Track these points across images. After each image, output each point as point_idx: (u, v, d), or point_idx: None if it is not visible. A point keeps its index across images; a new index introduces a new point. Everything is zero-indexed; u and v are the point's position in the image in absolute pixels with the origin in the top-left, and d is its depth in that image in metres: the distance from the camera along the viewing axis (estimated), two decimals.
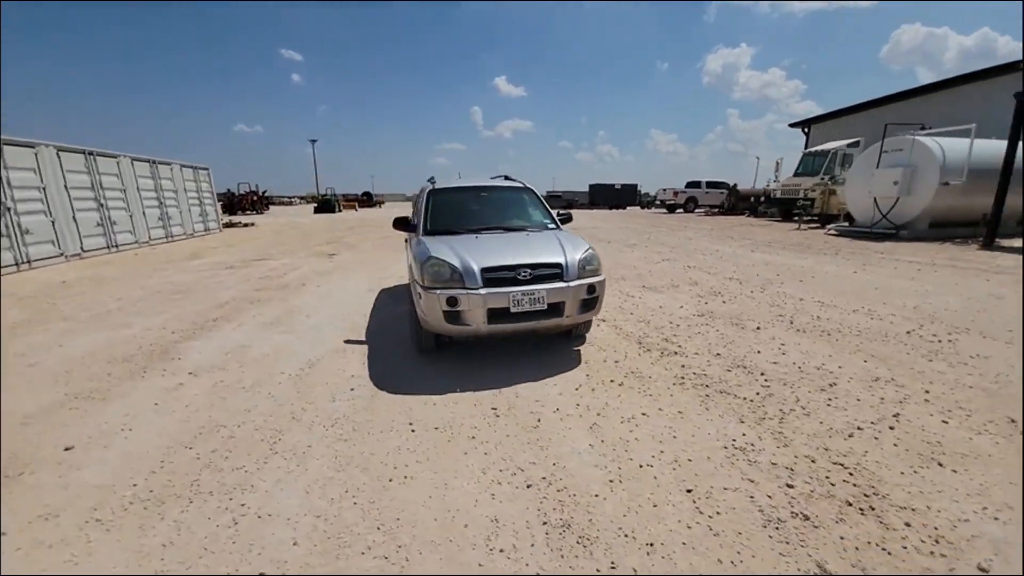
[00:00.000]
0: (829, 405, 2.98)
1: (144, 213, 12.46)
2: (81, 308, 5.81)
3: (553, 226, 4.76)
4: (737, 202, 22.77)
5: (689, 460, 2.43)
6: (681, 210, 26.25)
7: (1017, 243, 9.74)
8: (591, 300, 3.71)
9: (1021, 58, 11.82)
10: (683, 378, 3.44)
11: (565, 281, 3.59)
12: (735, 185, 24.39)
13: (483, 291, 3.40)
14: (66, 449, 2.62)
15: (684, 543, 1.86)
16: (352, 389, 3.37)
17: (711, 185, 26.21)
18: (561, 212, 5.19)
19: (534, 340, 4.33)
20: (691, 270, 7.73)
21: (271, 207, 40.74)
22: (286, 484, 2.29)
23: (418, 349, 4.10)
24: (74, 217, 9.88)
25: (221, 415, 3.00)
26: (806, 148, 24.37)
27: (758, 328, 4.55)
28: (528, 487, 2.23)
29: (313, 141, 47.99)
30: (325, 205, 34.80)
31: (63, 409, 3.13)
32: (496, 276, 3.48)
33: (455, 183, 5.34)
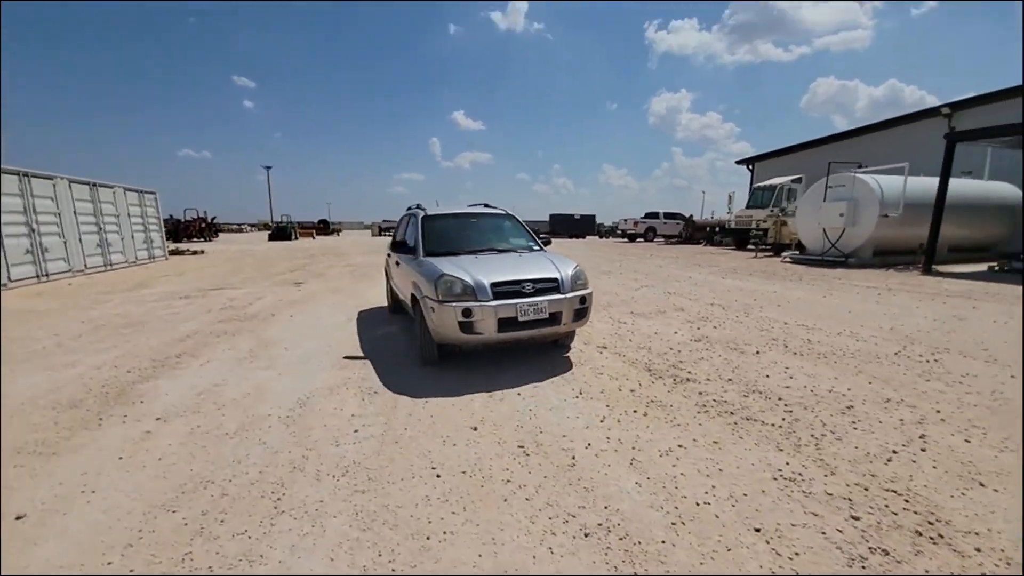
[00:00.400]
0: (855, 428, 2.97)
1: (80, 239, 11.31)
2: (11, 345, 5.03)
3: (538, 248, 5.26)
4: (694, 232, 23.98)
5: (744, 495, 2.29)
6: (641, 239, 27.28)
7: (951, 268, 10.73)
8: (583, 310, 4.25)
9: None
10: (705, 406, 3.36)
11: (562, 293, 4.11)
12: (691, 216, 25.77)
13: (494, 303, 3.83)
14: (17, 518, 2.13)
15: None
16: (356, 431, 3.02)
17: (668, 216, 27.53)
18: (541, 236, 5.62)
19: (537, 367, 4.14)
20: (672, 296, 7.87)
21: (220, 234, 38.58)
22: (303, 550, 1.94)
23: (422, 361, 4.36)
24: (0, 243, 8.78)
25: (206, 468, 2.58)
26: (751, 184, 26.35)
27: (757, 352, 4.60)
28: (586, 536, 2.01)
29: (268, 168, 46.50)
30: (281, 232, 33.41)
31: (6, 468, 2.58)
32: (504, 290, 3.93)
33: (443, 210, 5.67)
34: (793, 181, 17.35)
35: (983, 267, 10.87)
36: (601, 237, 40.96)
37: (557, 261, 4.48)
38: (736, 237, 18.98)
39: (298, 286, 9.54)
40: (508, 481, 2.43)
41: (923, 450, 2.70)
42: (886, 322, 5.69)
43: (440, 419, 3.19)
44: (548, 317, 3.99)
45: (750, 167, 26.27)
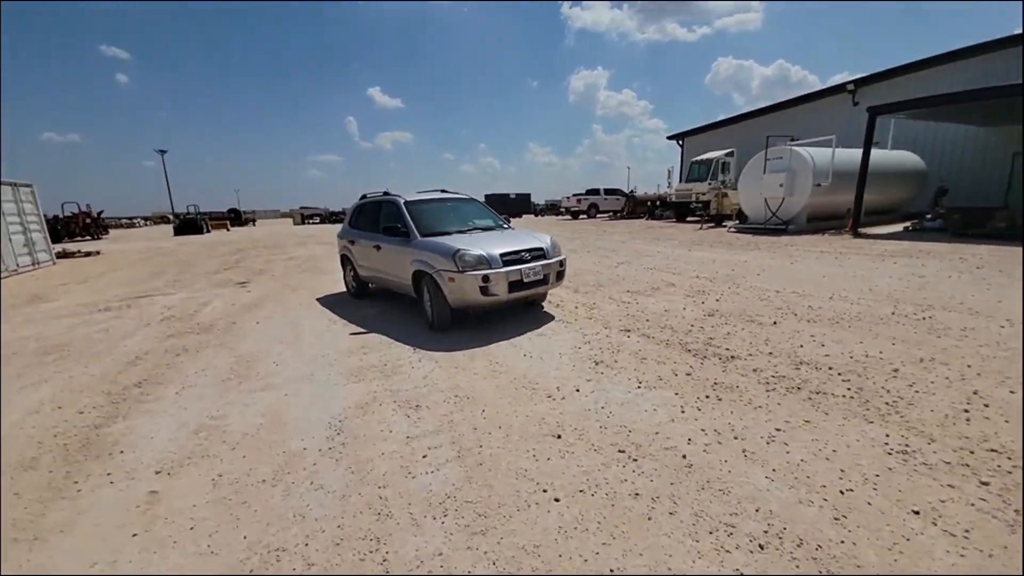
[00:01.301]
0: (916, 392, 3.08)
1: None
2: None
3: (508, 226, 6.21)
4: (635, 207, 24.83)
5: (876, 475, 2.24)
6: (584, 216, 27.79)
7: (873, 230, 12.01)
8: (562, 272, 5.36)
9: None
10: (768, 383, 3.33)
11: (548, 259, 5.14)
12: (632, 191, 26.65)
13: (505, 269, 4.72)
14: None
15: None
16: (424, 456, 2.59)
17: (608, 192, 28.23)
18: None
19: (568, 360, 3.91)
20: (654, 272, 7.97)
21: (109, 231, 33.30)
22: None
23: (436, 327, 5.00)
24: None
25: (264, 533, 2.04)
26: (682, 158, 27.76)
27: (775, 323, 4.71)
28: (763, 548, 1.83)
29: (162, 152, 40.78)
30: (189, 225, 29.59)
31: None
32: (509, 258, 4.84)
33: (421, 197, 6.19)
34: (727, 155, 18.43)
35: (899, 227, 12.32)
36: (536, 216, 41.21)
37: (535, 234, 5.54)
38: (677, 210, 19.89)
39: (244, 287, 8.41)
40: (636, 495, 2.18)
41: (986, 406, 2.85)
42: (860, 284, 6.15)
43: (510, 427, 2.85)
44: (542, 278, 5.01)
45: (680, 142, 27.53)
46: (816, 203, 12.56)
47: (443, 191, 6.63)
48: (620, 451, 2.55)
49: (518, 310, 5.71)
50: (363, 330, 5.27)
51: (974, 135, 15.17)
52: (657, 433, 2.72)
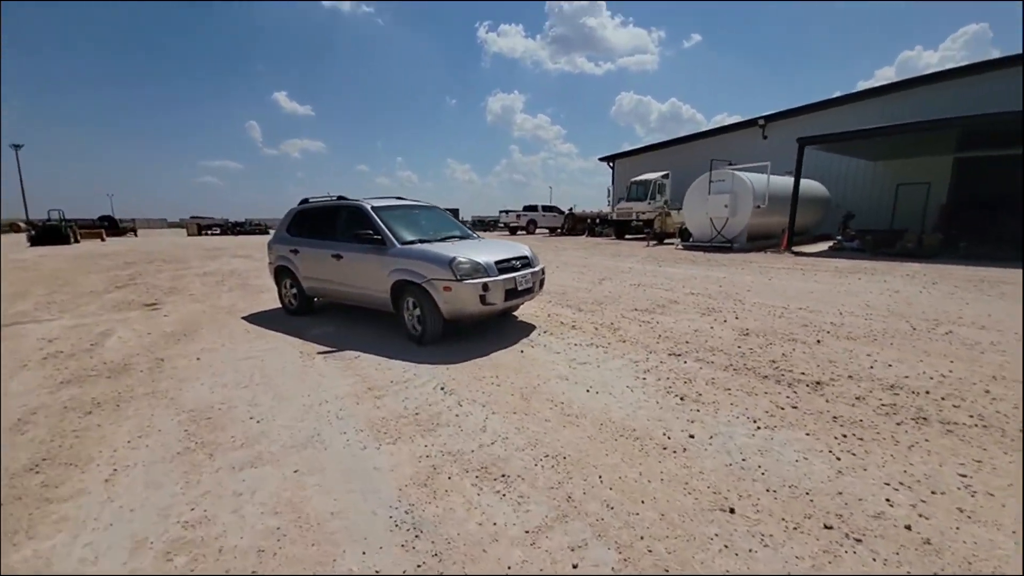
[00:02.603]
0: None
1: None
2: None
3: (475, 236, 5.94)
4: (575, 224, 25.26)
5: None
6: (523, 231, 27.66)
7: (800, 249, 13.12)
8: (543, 280, 5.28)
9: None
10: (886, 413, 2.97)
11: (534, 267, 5.10)
12: (571, 209, 27.12)
13: (502, 277, 4.56)
14: None
15: None
16: (576, 567, 1.76)
17: (546, 209, 28.48)
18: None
19: (661, 400, 3.29)
20: (643, 288, 7.69)
21: None
22: None
23: (426, 341, 4.55)
24: None
25: None
26: (612, 179, 29.01)
27: (818, 341, 4.51)
28: None
29: (16, 147, 33.56)
30: (52, 234, 24.28)
31: None
32: (504, 266, 4.71)
33: (387, 203, 5.58)
34: (663, 176, 19.42)
35: (823, 247, 13.62)
36: None
37: (514, 244, 5.40)
38: (617, 228, 20.47)
39: (155, 309, 6.62)
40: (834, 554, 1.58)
41: None
42: (853, 299, 6.34)
43: (654, 501, 2.12)
44: (531, 286, 4.89)
45: (611, 164, 28.79)
46: (756, 223, 13.48)
47: (399, 198, 6.01)
48: (826, 527, 1.94)
49: (499, 322, 5.10)
50: (349, 354, 4.19)
51: (864, 167, 17.58)
52: (841, 493, 2.17)
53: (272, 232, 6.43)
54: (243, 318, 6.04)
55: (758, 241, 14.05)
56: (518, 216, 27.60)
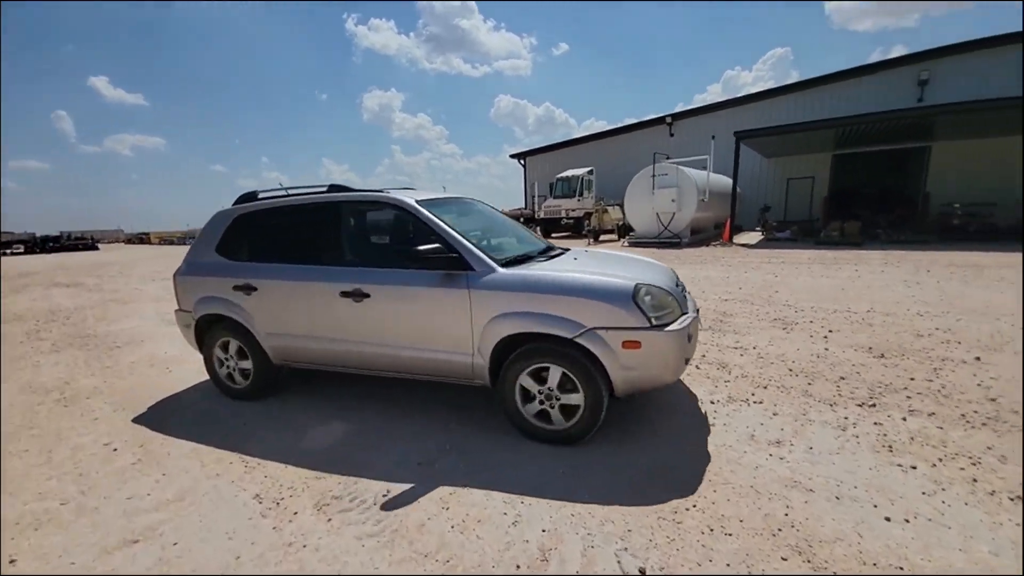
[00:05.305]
0: None
1: None
2: None
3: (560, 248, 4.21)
4: None
5: None
6: None
7: (740, 240, 13.41)
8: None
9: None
10: None
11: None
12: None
13: (692, 314, 2.79)
14: None
15: None
16: None
17: None
18: None
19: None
20: None
21: None
22: None
23: (571, 440, 2.60)
24: None
25: None
26: (525, 177, 28.25)
27: (977, 359, 3.64)
28: None
29: None
30: None
31: None
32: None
33: (431, 195, 3.35)
34: (588, 172, 18.96)
35: (754, 238, 14.13)
36: None
37: (640, 256, 3.58)
38: (544, 226, 19.54)
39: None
40: None
41: None
42: (856, 293, 5.90)
43: None
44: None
45: (522, 161, 28.04)
46: (698, 217, 13.46)
47: (378, 191, 3.29)
48: None
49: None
50: (406, 510, 2.11)
51: (761, 163, 19.10)
52: None
53: (186, 254, 3.74)
54: (105, 414, 3.36)
55: (698, 235, 14.12)
56: None
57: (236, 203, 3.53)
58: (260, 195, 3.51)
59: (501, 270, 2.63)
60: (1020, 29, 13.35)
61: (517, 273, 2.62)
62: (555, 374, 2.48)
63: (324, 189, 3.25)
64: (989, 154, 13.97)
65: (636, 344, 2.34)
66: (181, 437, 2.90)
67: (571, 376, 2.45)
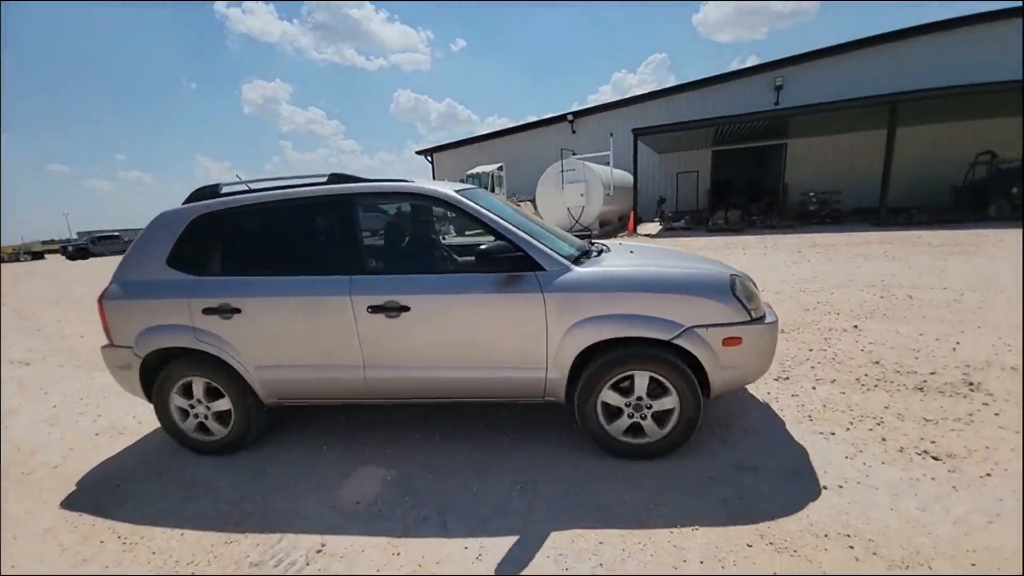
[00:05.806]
0: None
1: None
2: None
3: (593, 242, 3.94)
4: None
5: None
6: None
7: (643, 229, 14.42)
8: None
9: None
10: None
11: None
12: None
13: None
14: None
15: None
16: None
17: None
18: None
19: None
20: None
21: None
22: None
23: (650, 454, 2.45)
24: None
25: None
26: (433, 174, 27.62)
27: (799, 331, 4.22)
28: None
29: None
30: None
31: None
32: None
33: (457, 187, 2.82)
34: (498, 169, 19.04)
35: (653, 228, 15.29)
36: None
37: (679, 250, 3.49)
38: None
39: None
40: None
41: None
42: (836, 278, 6.58)
43: None
44: None
45: (429, 158, 27.40)
46: (604, 211, 14.19)
47: (337, 175, 2.73)
48: None
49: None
50: None
51: (653, 159, 20.75)
52: None
53: (117, 270, 2.78)
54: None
55: (605, 228, 14.91)
56: None
57: (190, 200, 2.73)
58: (223, 190, 2.75)
59: (577, 269, 2.31)
60: (859, 38, 15.87)
61: (597, 271, 2.31)
62: (641, 381, 2.26)
63: (323, 180, 2.62)
64: (834, 149, 16.62)
65: (737, 340, 2.18)
66: (152, 519, 2.23)
67: (660, 379, 2.24)
